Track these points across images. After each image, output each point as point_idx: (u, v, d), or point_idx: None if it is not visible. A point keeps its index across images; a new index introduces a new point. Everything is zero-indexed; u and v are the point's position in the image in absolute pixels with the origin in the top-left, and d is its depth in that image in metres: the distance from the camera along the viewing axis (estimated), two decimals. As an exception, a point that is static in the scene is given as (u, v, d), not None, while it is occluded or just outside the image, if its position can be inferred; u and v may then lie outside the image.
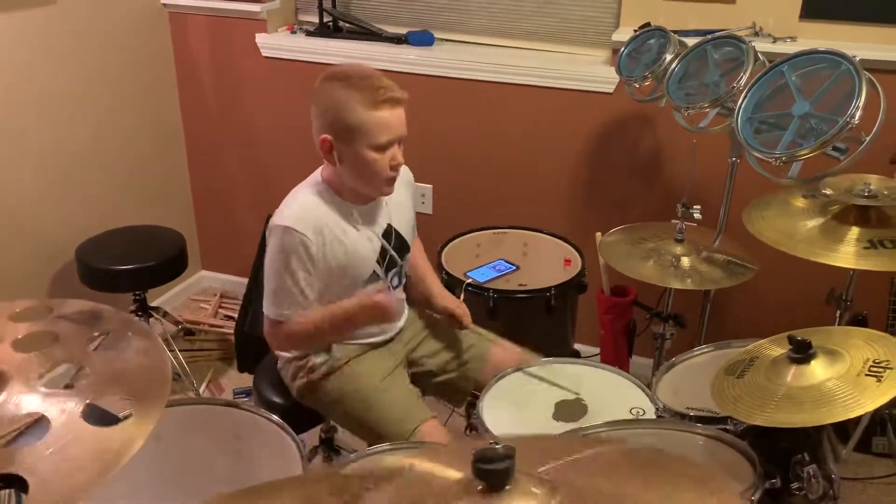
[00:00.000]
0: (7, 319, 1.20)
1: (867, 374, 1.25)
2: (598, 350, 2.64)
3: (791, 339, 1.34)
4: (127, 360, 1.14)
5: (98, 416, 1.03)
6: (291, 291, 1.74)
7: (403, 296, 2.01)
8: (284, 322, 1.77)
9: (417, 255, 2.09)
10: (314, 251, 1.73)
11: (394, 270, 1.91)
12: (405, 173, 1.97)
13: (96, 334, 1.17)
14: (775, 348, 1.44)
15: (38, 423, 1.04)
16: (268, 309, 1.78)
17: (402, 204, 1.94)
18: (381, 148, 1.71)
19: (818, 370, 1.32)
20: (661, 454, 0.95)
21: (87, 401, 1.04)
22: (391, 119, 1.70)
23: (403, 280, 1.97)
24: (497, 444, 0.90)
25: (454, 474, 0.95)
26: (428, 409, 1.85)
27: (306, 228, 1.72)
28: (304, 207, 1.77)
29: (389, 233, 1.88)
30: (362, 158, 1.72)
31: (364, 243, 1.82)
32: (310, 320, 1.76)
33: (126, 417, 1.02)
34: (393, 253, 1.88)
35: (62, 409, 1.02)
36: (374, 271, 1.84)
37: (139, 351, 1.15)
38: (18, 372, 1.08)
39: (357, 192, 1.79)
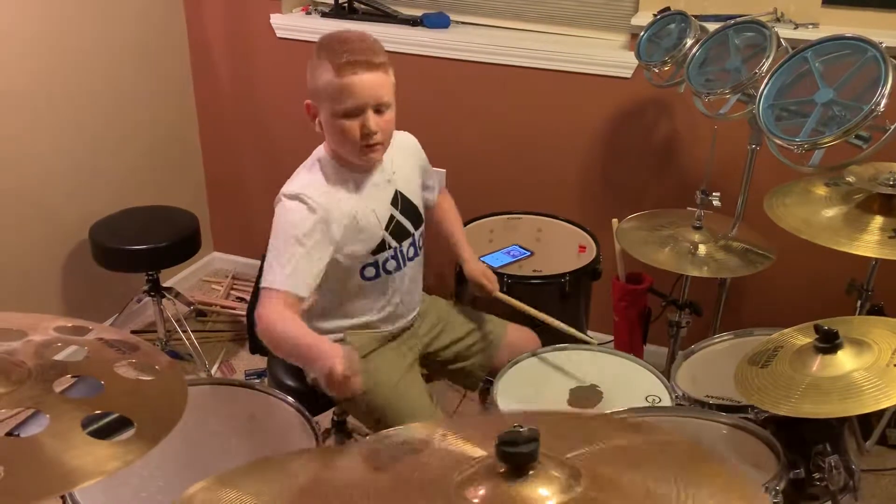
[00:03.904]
0: (53, 330, 1.21)
1: (896, 365, 1.24)
2: (611, 337, 2.63)
3: (818, 329, 1.32)
4: (146, 386, 1.13)
5: (95, 427, 1.02)
6: (297, 261, 1.67)
7: (420, 279, 1.98)
8: (278, 300, 1.64)
9: (447, 208, 2.08)
10: (321, 219, 1.70)
11: (407, 241, 1.87)
12: (406, 138, 1.93)
13: (125, 360, 1.17)
14: (800, 338, 1.43)
15: (35, 416, 1.04)
16: (269, 280, 1.67)
17: (407, 171, 1.90)
18: (347, 114, 1.66)
19: (845, 360, 1.30)
20: (697, 450, 0.93)
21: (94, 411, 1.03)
22: (356, 84, 1.63)
23: (419, 253, 1.93)
24: (521, 427, 0.89)
25: (479, 452, 0.95)
26: (440, 412, 1.85)
27: (313, 197, 1.70)
28: (306, 178, 1.76)
29: (397, 200, 1.85)
30: (332, 124, 1.70)
31: (367, 212, 1.78)
32: (287, 331, 1.63)
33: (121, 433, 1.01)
34: (403, 220, 1.85)
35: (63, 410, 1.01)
36: (382, 240, 1.81)
37: (162, 382, 1.14)
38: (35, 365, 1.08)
39: (351, 160, 1.76)
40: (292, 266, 1.66)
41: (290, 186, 1.74)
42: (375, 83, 1.66)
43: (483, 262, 2.31)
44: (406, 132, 1.95)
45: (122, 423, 1.04)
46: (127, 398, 1.08)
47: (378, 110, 1.68)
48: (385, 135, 1.72)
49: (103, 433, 1.02)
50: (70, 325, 1.28)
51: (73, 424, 0.99)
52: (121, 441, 1.00)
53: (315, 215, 1.69)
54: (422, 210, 1.92)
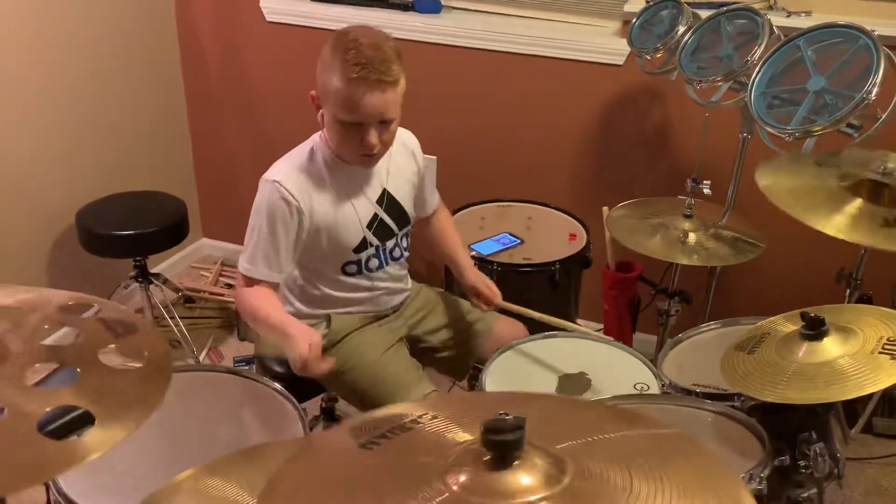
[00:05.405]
0: (56, 309, 1.21)
1: (881, 352, 1.24)
2: (601, 325, 2.63)
3: (804, 316, 1.33)
4: (123, 377, 1.11)
5: (50, 428, 1.00)
6: (265, 247, 1.71)
7: (404, 275, 1.98)
8: (249, 281, 1.74)
9: (444, 222, 2.05)
10: (294, 209, 1.69)
11: (391, 241, 1.86)
12: (407, 138, 1.91)
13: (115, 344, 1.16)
14: (787, 325, 1.43)
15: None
16: (240, 263, 1.75)
17: (402, 171, 1.87)
18: (348, 125, 1.63)
19: (831, 347, 1.30)
20: (687, 443, 0.92)
21: (48, 408, 1.01)
22: (363, 102, 1.58)
23: (405, 253, 1.93)
24: (508, 414, 0.89)
25: (464, 436, 0.94)
26: (430, 383, 1.83)
27: (289, 185, 1.69)
28: (290, 165, 1.74)
29: (383, 199, 1.82)
30: (333, 126, 1.67)
31: (348, 207, 1.77)
32: (261, 307, 1.72)
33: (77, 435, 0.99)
34: (387, 220, 1.83)
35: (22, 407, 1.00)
36: (364, 238, 1.79)
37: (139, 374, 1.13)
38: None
39: (347, 160, 1.75)
40: (253, 250, 1.74)
41: (272, 170, 1.74)
42: (382, 102, 1.61)
43: (473, 249, 2.32)
44: (408, 131, 1.92)
45: (83, 420, 1.02)
46: (96, 393, 1.06)
47: (381, 124, 1.65)
48: (385, 145, 1.70)
49: (61, 432, 1.00)
50: (75, 303, 1.26)
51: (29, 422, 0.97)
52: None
53: (285, 204, 1.69)
54: (409, 211, 1.90)
